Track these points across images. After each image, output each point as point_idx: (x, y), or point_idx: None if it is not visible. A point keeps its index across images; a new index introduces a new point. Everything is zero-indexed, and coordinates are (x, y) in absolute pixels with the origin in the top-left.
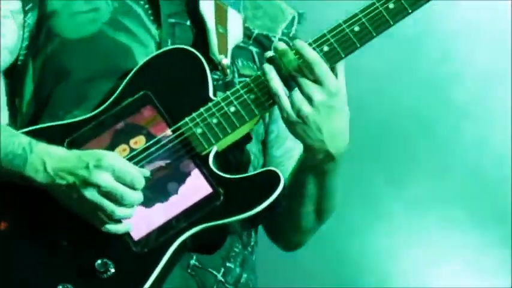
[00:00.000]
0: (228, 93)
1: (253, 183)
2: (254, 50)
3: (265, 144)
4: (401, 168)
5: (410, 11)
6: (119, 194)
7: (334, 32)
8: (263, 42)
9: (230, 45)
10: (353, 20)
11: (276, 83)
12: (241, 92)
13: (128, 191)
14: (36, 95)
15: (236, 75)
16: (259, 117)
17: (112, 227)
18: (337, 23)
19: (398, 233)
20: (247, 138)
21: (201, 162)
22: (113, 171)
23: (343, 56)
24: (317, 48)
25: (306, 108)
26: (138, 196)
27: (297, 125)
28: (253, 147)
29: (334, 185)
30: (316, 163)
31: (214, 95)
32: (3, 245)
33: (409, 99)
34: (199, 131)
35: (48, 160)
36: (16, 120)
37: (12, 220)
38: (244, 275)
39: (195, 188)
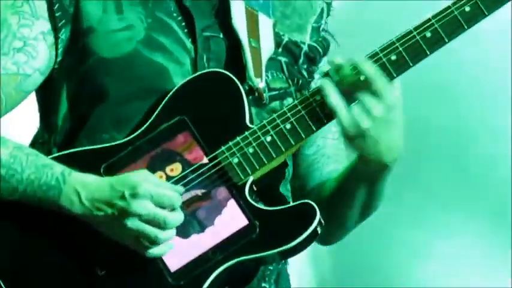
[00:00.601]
0: (265, 121)
1: (289, 216)
2: (283, 60)
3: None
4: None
5: (487, 13)
6: (162, 219)
7: (404, 40)
8: (292, 50)
9: (264, 63)
10: (424, 26)
11: (335, 98)
12: (278, 121)
13: (169, 214)
14: (73, 111)
15: (266, 89)
16: (295, 147)
17: (157, 251)
18: (407, 30)
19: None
20: (283, 165)
21: (237, 193)
22: (151, 198)
23: (411, 65)
24: (384, 57)
25: (365, 122)
26: (180, 216)
27: (355, 139)
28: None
29: (382, 188)
30: (369, 173)
31: (252, 122)
32: (35, 274)
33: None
34: (235, 160)
35: (82, 191)
36: (50, 133)
37: (47, 247)
38: None
39: (231, 219)
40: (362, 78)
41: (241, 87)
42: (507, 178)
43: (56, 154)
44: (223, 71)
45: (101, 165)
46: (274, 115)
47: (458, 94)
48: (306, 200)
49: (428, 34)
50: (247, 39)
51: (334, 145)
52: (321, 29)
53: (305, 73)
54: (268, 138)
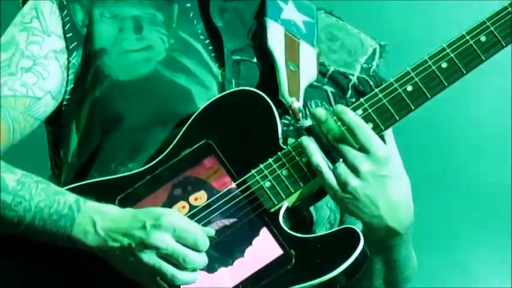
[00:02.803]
0: (300, 140)
1: (328, 244)
2: (329, 89)
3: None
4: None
5: (504, 44)
6: (181, 257)
7: (419, 70)
8: (340, 81)
9: (302, 86)
10: (440, 55)
11: (317, 158)
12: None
13: (190, 253)
14: (83, 144)
15: (309, 118)
16: None
17: None
18: (422, 59)
19: None
20: (321, 191)
21: (270, 220)
22: (173, 232)
23: (429, 97)
24: (400, 88)
25: (352, 181)
26: (203, 259)
27: (347, 202)
28: (329, 201)
29: (403, 256)
30: (379, 239)
31: (285, 143)
32: None
33: None
34: (267, 184)
35: (98, 220)
36: (60, 172)
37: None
38: None
39: (264, 249)
40: (346, 130)
41: (272, 104)
42: (507, 177)
43: (65, 187)
44: (252, 89)
45: (115, 198)
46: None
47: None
48: (348, 225)
49: (409, 88)
50: (284, 61)
51: None
52: (371, 70)
53: None
54: (304, 159)
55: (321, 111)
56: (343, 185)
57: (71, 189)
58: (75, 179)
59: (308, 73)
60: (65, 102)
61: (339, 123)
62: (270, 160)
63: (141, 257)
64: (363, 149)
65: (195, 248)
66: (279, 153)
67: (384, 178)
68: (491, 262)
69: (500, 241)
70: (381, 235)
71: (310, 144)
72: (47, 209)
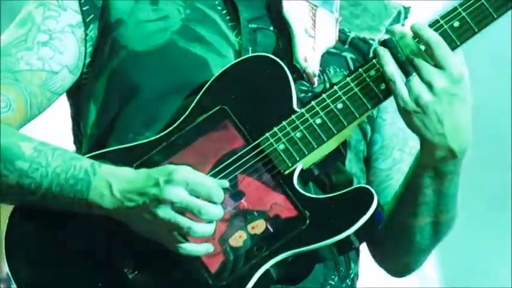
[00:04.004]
0: (313, 103)
1: (342, 203)
2: (349, 56)
3: (368, 159)
4: None
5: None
6: (196, 208)
7: (467, 5)
8: (360, 47)
9: (319, 51)
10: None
11: (392, 67)
12: (328, 101)
13: (205, 204)
14: (102, 116)
15: (328, 85)
16: (348, 129)
17: (190, 247)
18: None
19: None
20: (338, 154)
21: (285, 182)
22: (186, 185)
23: (476, 30)
24: (446, 24)
25: (425, 95)
26: (218, 210)
27: (414, 116)
28: (353, 167)
29: (454, 190)
30: (435, 162)
31: (298, 100)
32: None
33: None
34: (281, 147)
35: (114, 182)
36: (80, 145)
37: (71, 253)
38: None
39: (278, 211)
40: (423, 47)
41: (286, 68)
42: (506, 175)
43: (84, 156)
44: (266, 54)
45: (132, 165)
46: (324, 95)
47: None
48: (362, 185)
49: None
50: (299, 28)
51: (411, 160)
52: None
53: None
54: (318, 121)
55: (399, 27)
56: (415, 98)
57: (89, 158)
58: (94, 150)
59: (325, 39)
60: (84, 76)
61: (416, 39)
62: (284, 123)
63: (156, 213)
64: (438, 66)
65: (210, 200)
66: (293, 116)
67: (454, 97)
68: (491, 261)
69: (501, 241)
70: (439, 157)
71: (385, 53)
72: (64, 174)
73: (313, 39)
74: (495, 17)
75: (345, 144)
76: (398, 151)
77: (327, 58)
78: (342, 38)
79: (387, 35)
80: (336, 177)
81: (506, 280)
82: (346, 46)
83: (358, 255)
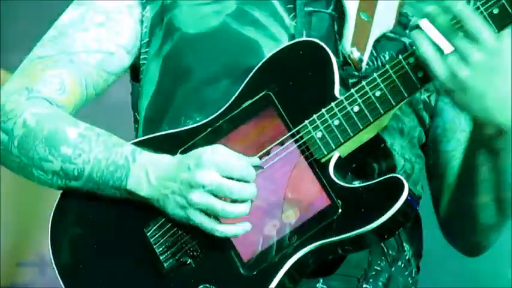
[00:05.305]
0: (353, 90)
1: (373, 193)
2: (408, 41)
3: (432, 142)
4: None
5: None
6: (227, 189)
7: None
8: None
9: (373, 36)
10: None
11: (427, 47)
12: (367, 88)
13: (237, 184)
14: (156, 98)
15: (362, 60)
16: (384, 117)
17: (227, 228)
18: None
19: None
20: (378, 141)
21: (320, 170)
22: (216, 167)
23: None
24: (485, 11)
25: (462, 71)
26: (251, 189)
27: (455, 93)
28: (406, 153)
29: (511, 167)
30: (485, 139)
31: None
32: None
33: None
34: (318, 134)
35: (151, 169)
36: (138, 125)
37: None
38: None
39: (312, 199)
40: (458, 25)
41: (332, 54)
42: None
43: (131, 142)
44: (313, 39)
45: (177, 150)
46: (363, 82)
47: None
48: (393, 174)
49: None
50: (355, 11)
51: None
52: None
53: None
54: (356, 108)
55: (431, 7)
56: (452, 74)
57: (135, 144)
58: (148, 132)
59: (382, 23)
60: (142, 56)
61: (451, 19)
62: (323, 110)
63: (189, 197)
64: (474, 39)
65: (242, 179)
66: (332, 103)
67: (493, 71)
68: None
69: (501, 240)
70: (489, 133)
71: (419, 35)
72: (105, 161)
73: (370, 22)
74: None
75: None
76: (462, 132)
77: (385, 43)
78: (403, 22)
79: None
80: (382, 165)
81: (507, 280)
82: (407, 31)
83: (415, 235)
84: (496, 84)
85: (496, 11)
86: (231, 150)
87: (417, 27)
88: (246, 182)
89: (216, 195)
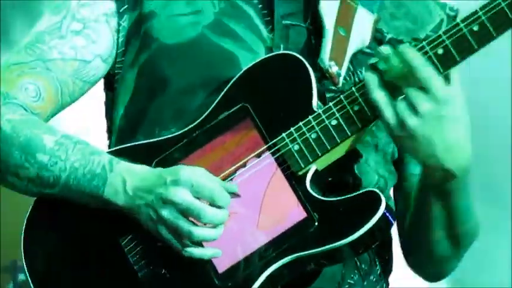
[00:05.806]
0: (331, 104)
1: (350, 207)
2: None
3: (400, 162)
4: None
5: None
6: (196, 211)
7: (450, 33)
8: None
9: (350, 51)
10: (472, 18)
11: (378, 93)
12: (345, 102)
13: (207, 208)
14: (130, 108)
15: (340, 74)
16: (362, 131)
17: (194, 251)
18: (454, 22)
19: None
20: (354, 156)
21: (297, 183)
22: (191, 187)
23: (458, 59)
24: (430, 51)
25: (411, 120)
26: (220, 214)
27: (404, 140)
28: (380, 169)
29: (463, 205)
30: (436, 182)
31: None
32: (71, 277)
33: None
34: (296, 147)
35: (129, 179)
36: (111, 134)
37: (83, 248)
38: None
39: (288, 212)
40: (407, 69)
41: (310, 68)
42: (507, 174)
43: (107, 151)
44: (291, 52)
45: (152, 161)
46: (342, 96)
47: None
48: (370, 188)
49: (475, 28)
50: (333, 26)
51: None
52: None
53: None
54: (334, 122)
55: (385, 49)
56: (401, 122)
57: (110, 153)
58: (121, 142)
59: (358, 39)
60: (117, 65)
61: (402, 62)
62: (301, 123)
63: (160, 213)
64: (423, 89)
65: (213, 203)
66: (310, 116)
67: (441, 119)
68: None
69: (500, 240)
70: (438, 177)
71: (372, 79)
72: (82, 169)
73: (346, 37)
74: (476, 47)
75: (366, 146)
76: None
77: (361, 58)
78: (378, 38)
79: (385, 46)
80: (359, 178)
81: (507, 280)
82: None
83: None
84: (444, 132)
85: (440, 51)
86: (209, 172)
87: (372, 67)
88: (218, 207)
89: (187, 216)
